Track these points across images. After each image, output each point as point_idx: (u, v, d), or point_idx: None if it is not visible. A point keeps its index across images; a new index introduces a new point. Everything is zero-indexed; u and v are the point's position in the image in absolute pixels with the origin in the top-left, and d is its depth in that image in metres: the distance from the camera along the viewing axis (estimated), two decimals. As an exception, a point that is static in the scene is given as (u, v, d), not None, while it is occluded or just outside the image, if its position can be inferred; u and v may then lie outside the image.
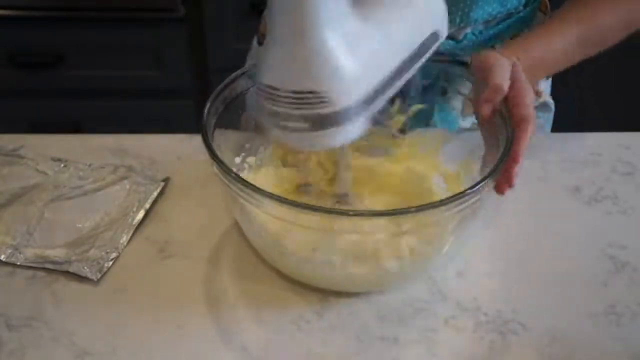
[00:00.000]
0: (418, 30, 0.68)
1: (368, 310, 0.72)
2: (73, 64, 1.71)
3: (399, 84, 0.66)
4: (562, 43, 0.79)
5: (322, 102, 0.59)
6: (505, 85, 0.70)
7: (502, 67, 0.71)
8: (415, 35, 0.67)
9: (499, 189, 0.68)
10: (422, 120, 0.84)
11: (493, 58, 0.72)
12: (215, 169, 0.67)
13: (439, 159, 0.81)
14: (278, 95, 0.59)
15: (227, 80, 0.76)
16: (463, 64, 0.79)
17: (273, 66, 0.60)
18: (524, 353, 0.68)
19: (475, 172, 0.75)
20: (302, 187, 0.77)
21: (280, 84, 0.59)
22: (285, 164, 0.81)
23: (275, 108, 0.60)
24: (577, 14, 0.80)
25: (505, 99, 0.71)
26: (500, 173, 0.67)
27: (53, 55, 1.69)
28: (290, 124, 0.61)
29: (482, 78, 0.72)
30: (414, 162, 0.81)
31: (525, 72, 0.73)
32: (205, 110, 0.72)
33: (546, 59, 0.79)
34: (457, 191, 0.77)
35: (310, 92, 0.58)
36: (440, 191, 0.78)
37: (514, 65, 0.72)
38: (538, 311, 0.71)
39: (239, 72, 0.76)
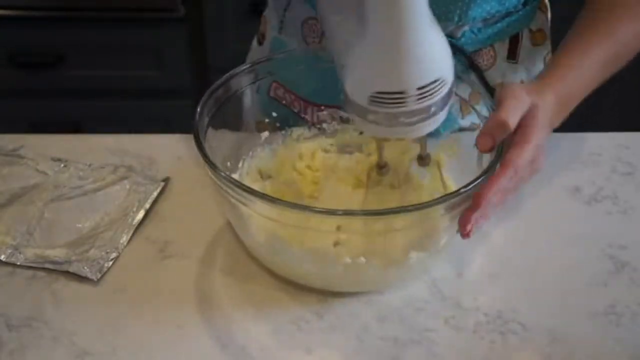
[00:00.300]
0: None
1: (368, 310, 0.72)
2: (73, 64, 1.71)
3: None
4: (590, 69, 0.77)
5: (441, 85, 0.62)
6: (511, 122, 0.67)
7: (518, 106, 0.68)
8: None
9: (463, 233, 0.67)
10: None
11: (513, 94, 0.69)
12: (207, 169, 0.68)
13: (410, 144, 0.81)
14: (405, 97, 0.61)
15: (219, 81, 0.76)
16: (460, 50, 0.79)
17: (392, 72, 0.61)
18: (524, 353, 0.68)
19: (456, 152, 0.77)
20: (380, 170, 0.78)
21: (405, 86, 0.61)
22: (264, 176, 0.82)
23: (402, 109, 0.62)
24: (598, 36, 0.78)
25: (512, 135, 0.68)
26: (460, 216, 0.66)
27: (53, 55, 1.69)
28: (414, 118, 0.63)
29: (496, 108, 0.70)
30: (387, 153, 0.82)
31: (560, 105, 0.71)
32: (198, 111, 0.72)
33: (578, 88, 0.76)
34: (439, 174, 0.78)
35: (434, 81, 0.61)
36: (422, 176, 0.79)
37: (534, 107, 0.69)
38: (538, 311, 0.71)
39: (231, 72, 0.77)
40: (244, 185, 0.65)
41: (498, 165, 0.67)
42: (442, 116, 0.65)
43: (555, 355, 0.68)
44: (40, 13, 1.64)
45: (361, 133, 0.83)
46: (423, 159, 0.74)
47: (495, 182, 0.65)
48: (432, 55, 0.61)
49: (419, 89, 0.61)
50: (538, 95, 0.70)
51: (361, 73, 0.63)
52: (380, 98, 0.62)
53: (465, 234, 0.66)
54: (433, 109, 0.63)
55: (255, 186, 0.77)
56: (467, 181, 0.66)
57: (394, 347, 0.68)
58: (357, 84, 0.64)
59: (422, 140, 0.73)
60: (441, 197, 0.64)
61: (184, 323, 0.70)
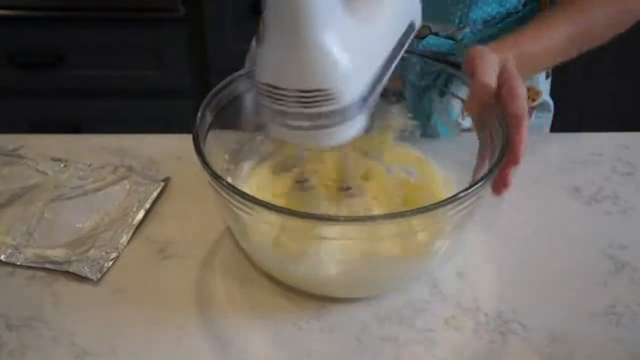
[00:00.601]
0: (398, 22, 0.68)
1: (368, 310, 0.71)
2: (73, 64, 1.71)
3: (387, 77, 0.66)
4: (552, 39, 0.79)
5: (328, 99, 0.59)
6: (492, 82, 0.69)
7: (489, 63, 0.70)
8: (396, 27, 0.67)
9: (496, 191, 0.68)
10: (422, 121, 0.84)
11: (480, 54, 0.71)
12: (207, 177, 0.67)
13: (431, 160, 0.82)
14: (283, 95, 0.59)
15: (220, 85, 0.76)
16: (459, 66, 0.79)
17: (276, 66, 0.59)
18: (524, 353, 0.68)
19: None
20: (300, 184, 0.76)
21: (284, 84, 0.59)
22: (277, 172, 0.81)
23: (278, 107, 0.60)
24: (569, 11, 0.80)
25: (498, 96, 0.70)
26: (497, 173, 0.67)
27: (53, 55, 1.69)
28: (295, 123, 0.61)
29: (470, 75, 0.72)
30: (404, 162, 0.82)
31: (517, 66, 0.72)
32: (198, 116, 0.72)
33: (537, 53, 0.78)
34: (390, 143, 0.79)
35: (317, 90, 0.59)
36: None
37: (505, 61, 0.71)
38: (538, 311, 0.72)
39: (231, 77, 0.77)
40: (244, 193, 0.64)
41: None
42: (337, 132, 0.62)
43: (555, 355, 0.68)
44: (40, 13, 1.64)
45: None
46: (345, 190, 0.73)
47: (523, 134, 0.67)
48: (323, 65, 0.58)
49: (301, 91, 0.59)
50: (500, 53, 0.72)
51: (258, 63, 0.61)
52: (261, 88, 0.61)
53: (508, 187, 0.68)
54: (319, 122, 0.60)
55: (266, 177, 0.78)
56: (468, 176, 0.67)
57: (394, 347, 0.68)
58: (255, 75, 0.62)
59: (346, 172, 0.73)
60: (447, 199, 0.63)
61: (184, 323, 0.70)
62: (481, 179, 0.65)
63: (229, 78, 0.77)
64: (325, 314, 0.71)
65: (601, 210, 0.84)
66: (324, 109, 0.59)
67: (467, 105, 0.71)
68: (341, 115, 0.60)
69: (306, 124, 0.61)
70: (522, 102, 0.68)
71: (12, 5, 1.63)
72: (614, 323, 0.70)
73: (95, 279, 0.73)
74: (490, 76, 0.70)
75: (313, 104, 0.59)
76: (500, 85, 0.70)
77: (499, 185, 0.68)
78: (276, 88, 0.59)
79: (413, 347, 0.68)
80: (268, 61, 0.60)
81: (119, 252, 0.76)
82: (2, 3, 1.62)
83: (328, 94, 0.59)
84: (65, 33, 1.68)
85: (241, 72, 0.78)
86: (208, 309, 0.72)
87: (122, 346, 0.68)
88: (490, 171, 0.66)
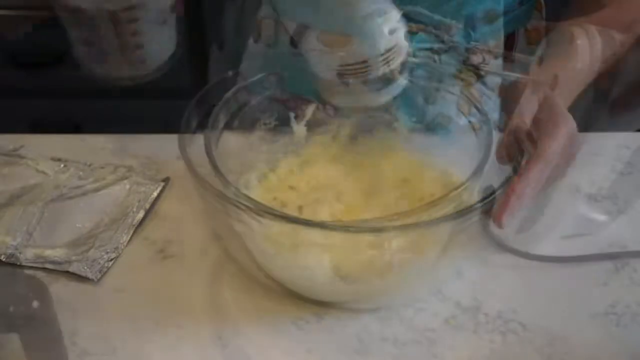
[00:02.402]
0: None
1: (368, 310, 0.72)
2: (73, 64, 1.71)
3: None
4: (589, 58, 0.78)
5: (401, 51, 0.69)
6: (526, 120, 0.68)
7: (527, 105, 0.69)
8: None
9: (495, 223, 0.67)
10: (417, 118, 0.84)
11: (518, 92, 0.70)
12: (220, 185, 0.67)
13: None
14: (369, 65, 0.68)
15: (228, 94, 0.77)
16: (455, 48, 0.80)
17: (352, 46, 0.68)
18: (524, 353, 0.68)
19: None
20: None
21: (368, 54, 0.68)
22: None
23: (368, 77, 0.69)
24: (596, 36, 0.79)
25: (536, 126, 0.68)
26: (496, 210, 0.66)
27: (53, 55, 1.69)
28: (379, 84, 0.70)
29: (506, 112, 0.71)
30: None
31: (563, 86, 0.72)
32: (210, 122, 0.73)
33: (581, 72, 0.77)
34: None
35: (393, 47, 0.68)
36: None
37: (545, 98, 0.69)
38: (538, 311, 0.71)
39: (239, 86, 0.78)
40: (259, 202, 0.64)
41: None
42: (403, 81, 0.72)
43: (555, 355, 0.68)
44: (40, 13, 1.64)
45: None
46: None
47: (525, 177, 0.65)
48: (385, 27, 0.68)
49: (381, 55, 0.68)
50: (544, 74, 0.72)
51: (324, 51, 0.69)
52: (351, 69, 0.69)
53: (500, 227, 0.67)
54: (394, 74, 0.70)
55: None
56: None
57: (394, 347, 0.68)
58: (322, 61, 0.70)
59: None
60: (453, 214, 0.63)
61: (184, 323, 0.70)
62: (483, 199, 0.64)
63: (235, 88, 0.78)
64: (326, 314, 0.71)
65: (601, 210, 0.83)
66: (400, 59, 0.69)
67: (498, 152, 0.69)
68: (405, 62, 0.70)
69: (387, 80, 0.70)
70: (553, 144, 0.66)
71: (12, 5, 1.63)
72: (614, 323, 0.70)
73: (95, 279, 0.73)
74: (525, 116, 0.68)
75: (391, 60, 0.69)
76: (538, 122, 0.68)
77: (495, 218, 0.66)
78: (362, 62, 0.68)
79: (413, 347, 0.68)
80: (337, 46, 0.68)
81: (119, 252, 0.76)
82: (2, 3, 1.62)
83: (400, 46, 0.69)
84: (66, 33, 1.67)
85: (247, 82, 0.78)
86: (208, 308, 0.72)
87: (122, 346, 0.68)
88: (491, 193, 0.65)
